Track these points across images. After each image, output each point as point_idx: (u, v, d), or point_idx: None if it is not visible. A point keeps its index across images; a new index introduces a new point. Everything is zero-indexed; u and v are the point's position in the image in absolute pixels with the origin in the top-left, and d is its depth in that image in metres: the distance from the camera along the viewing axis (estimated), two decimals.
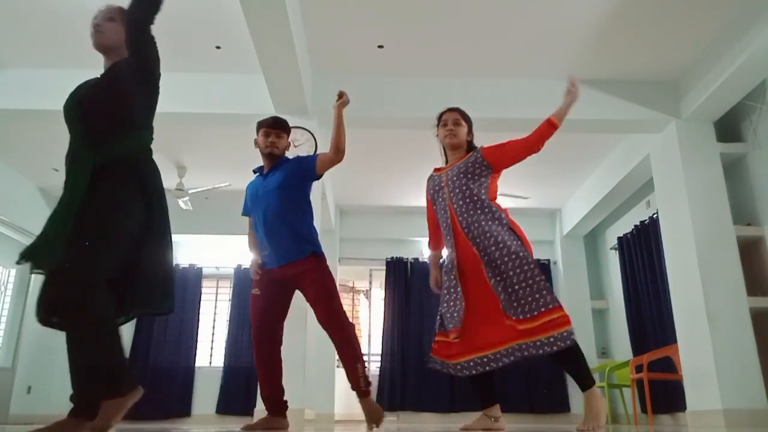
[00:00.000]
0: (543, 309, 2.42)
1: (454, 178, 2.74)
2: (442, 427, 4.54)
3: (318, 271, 3.01)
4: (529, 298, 2.45)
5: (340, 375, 7.24)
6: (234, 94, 4.94)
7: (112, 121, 1.96)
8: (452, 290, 2.68)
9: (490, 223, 2.62)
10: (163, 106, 5.60)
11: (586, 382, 2.53)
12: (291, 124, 4.80)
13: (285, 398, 3.11)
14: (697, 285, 4.55)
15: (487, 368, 2.58)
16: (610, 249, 7.40)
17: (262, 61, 4.11)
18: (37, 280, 7.15)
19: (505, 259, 2.51)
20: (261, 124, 3.18)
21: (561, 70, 4.94)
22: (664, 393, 5.70)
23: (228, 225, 7.85)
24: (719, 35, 4.40)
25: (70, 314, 1.77)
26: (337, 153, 2.97)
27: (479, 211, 2.66)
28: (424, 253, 8.17)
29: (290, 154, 4.76)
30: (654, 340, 5.92)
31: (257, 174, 3.25)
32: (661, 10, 4.17)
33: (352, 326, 3.07)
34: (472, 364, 2.61)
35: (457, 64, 4.89)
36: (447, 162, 2.94)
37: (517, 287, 2.47)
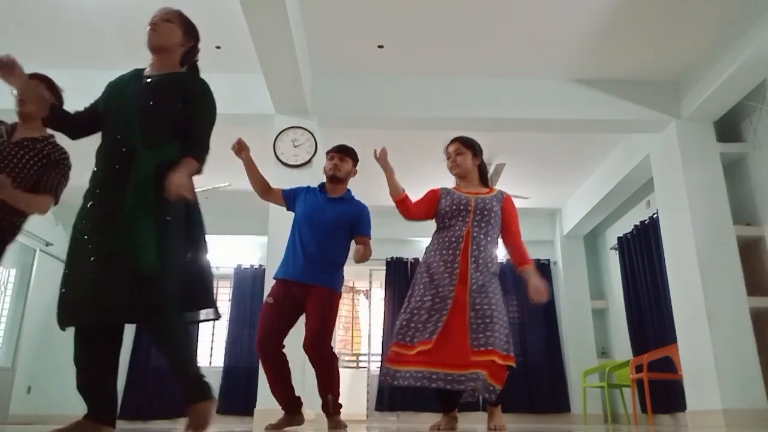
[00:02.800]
0: (500, 350, 2.73)
1: (485, 211, 2.95)
2: None
3: (328, 302, 3.13)
4: (497, 335, 2.75)
5: (340, 375, 7.23)
6: (234, 94, 4.94)
7: (170, 127, 2.05)
8: (437, 302, 2.83)
9: (493, 279, 2.91)
10: None
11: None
12: (291, 124, 4.84)
13: (297, 394, 3.21)
14: (697, 285, 4.55)
15: (450, 387, 2.73)
16: (610, 249, 7.40)
17: (262, 61, 4.11)
18: (38, 281, 7.16)
19: (493, 307, 2.81)
20: (329, 150, 3.44)
21: (561, 70, 4.94)
22: (664, 393, 5.70)
23: (228, 225, 7.86)
24: (719, 35, 4.40)
25: (156, 317, 1.84)
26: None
27: (489, 264, 2.91)
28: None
29: (290, 153, 4.79)
30: (654, 340, 5.92)
31: (318, 189, 3.41)
32: (661, 10, 4.17)
33: (334, 359, 3.19)
34: (434, 377, 2.72)
35: (457, 64, 4.89)
36: (458, 185, 3.18)
37: (491, 323, 2.75)
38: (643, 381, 5.40)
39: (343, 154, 3.42)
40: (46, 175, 2.51)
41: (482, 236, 2.91)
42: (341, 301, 3.30)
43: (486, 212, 2.94)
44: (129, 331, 7.75)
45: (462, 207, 2.96)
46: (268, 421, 3.16)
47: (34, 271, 7.15)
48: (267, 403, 4.05)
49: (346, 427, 3.16)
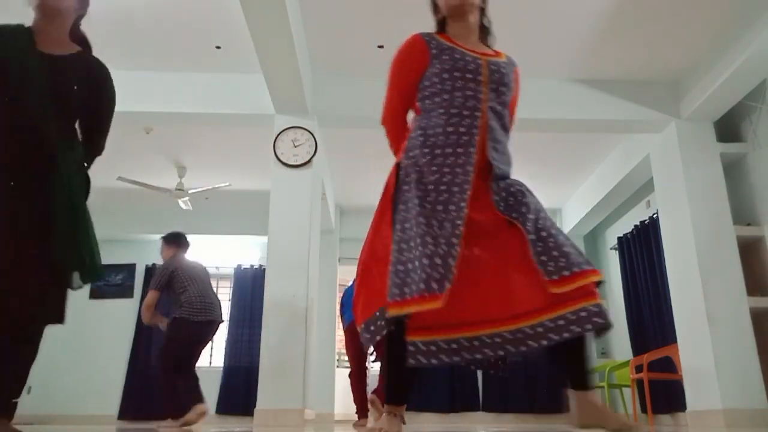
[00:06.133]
0: (581, 268, 1.62)
1: (501, 86, 1.83)
2: (442, 427, 4.54)
3: None
4: (566, 251, 1.65)
5: (340, 375, 7.24)
6: (234, 94, 4.94)
7: (74, 121, 1.90)
8: (440, 225, 1.64)
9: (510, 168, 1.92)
10: (163, 106, 5.61)
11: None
12: (291, 124, 4.84)
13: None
14: (697, 285, 4.55)
15: (502, 353, 1.62)
16: (610, 249, 7.40)
17: (262, 61, 4.11)
18: None
19: (549, 218, 1.75)
20: None
21: (561, 70, 4.94)
22: (664, 393, 5.70)
23: (228, 225, 7.86)
24: (719, 35, 4.40)
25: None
26: None
27: (504, 144, 1.88)
28: None
29: (290, 153, 4.79)
30: (654, 340, 5.92)
31: None
32: (660, 10, 4.17)
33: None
34: (477, 344, 1.62)
35: None
36: (440, 32, 1.94)
37: (559, 236, 1.68)
38: (643, 381, 5.39)
39: None
40: None
41: (499, 126, 1.83)
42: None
43: (502, 87, 1.84)
44: (129, 331, 7.76)
45: (470, 71, 1.79)
46: (268, 421, 3.17)
47: None
48: (267, 403, 4.05)
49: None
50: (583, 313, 1.57)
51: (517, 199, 1.76)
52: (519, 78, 2.01)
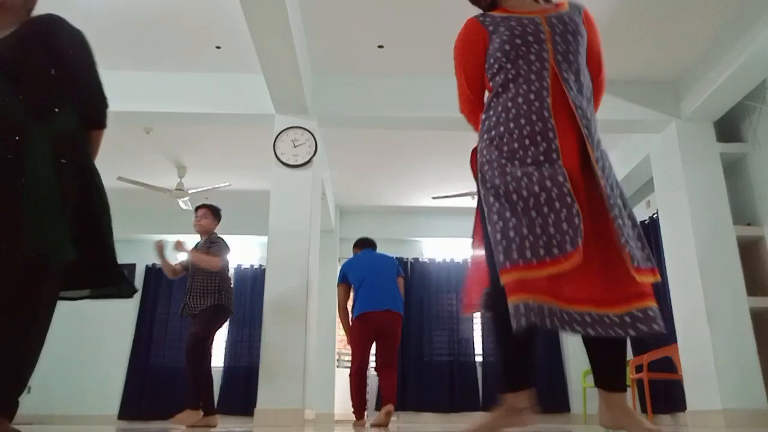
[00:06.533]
0: (653, 264, 1.54)
1: (559, 28, 1.71)
2: (442, 427, 4.54)
3: (400, 324, 4.57)
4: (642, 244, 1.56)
5: (340, 375, 7.24)
6: (234, 94, 4.94)
7: (49, 87, 1.71)
8: (552, 190, 1.52)
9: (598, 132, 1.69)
10: (163, 106, 5.61)
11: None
12: (291, 124, 4.84)
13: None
14: (697, 285, 4.55)
15: (610, 333, 1.49)
16: None
17: (262, 61, 4.11)
18: None
19: (618, 188, 1.62)
20: None
21: None
22: (664, 393, 5.70)
23: (228, 225, 7.85)
24: (719, 35, 4.40)
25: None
26: None
27: (588, 104, 1.70)
28: (424, 253, 8.17)
29: (290, 153, 4.79)
30: (654, 340, 5.92)
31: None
32: (660, 11, 4.17)
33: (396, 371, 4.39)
34: (588, 320, 1.50)
35: None
36: (493, 8, 1.86)
37: (631, 219, 1.59)
38: (643, 381, 5.40)
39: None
40: None
41: (572, 74, 1.68)
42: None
43: (571, 37, 1.70)
44: (129, 331, 7.76)
45: (533, 36, 1.70)
46: (268, 421, 3.17)
47: None
48: (267, 403, 4.05)
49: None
50: (651, 313, 1.49)
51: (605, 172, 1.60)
52: (591, 18, 1.86)
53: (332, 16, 4.28)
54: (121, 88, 4.81)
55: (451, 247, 8.22)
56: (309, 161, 4.75)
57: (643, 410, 5.94)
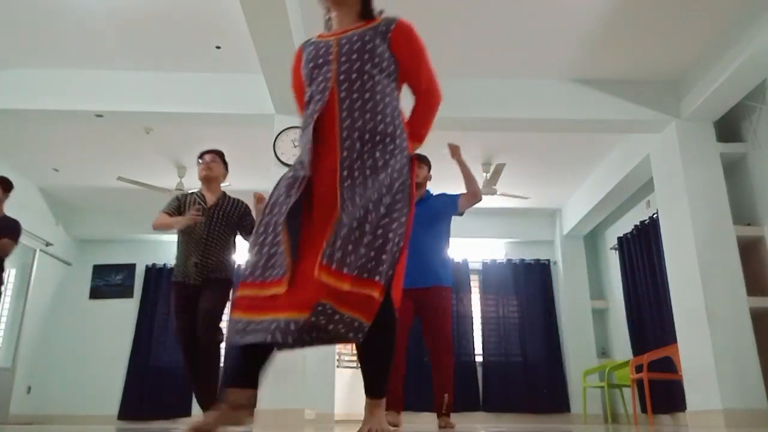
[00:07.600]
0: (368, 276, 1.52)
1: (351, 49, 1.80)
2: None
3: (445, 299, 3.47)
4: (367, 251, 1.54)
5: (340, 375, 7.23)
6: (234, 94, 4.94)
7: None
8: (282, 211, 1.62)
9: (387, 157, 1.73)
10: (163, 106, 5.61)
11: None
12: (291, 124, 4.84)
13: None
14: (697, 285, 4.55)
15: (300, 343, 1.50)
16: (610, 249, 7.40)
17: (262, 61, 4.11)
18: (38, 281, 7.15)
19: (375, 195, 1.63)
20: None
21: (561, 70, 4.94)
22: (664, 393, 5.70)
23: None
24: (719, 35, 4.40)
25: None
26: (476, 196, 3.59)
27: (378, 135, 1.76)
28: None
29: (290, 153, 4.79)
30: (654, 340, 5.92)
31: None
32: (660, 11, 4.17)
33: (453, 356, 3.50)
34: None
35: (456, 64, 4.89)
36: (331, 29, 1.95)
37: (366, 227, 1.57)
38: (643, 381, 5.40)
39: (421, 162, 3.69)
40: None
41: (355, 90, 1.81)
42: None
43: (352, 48, 1.83)
44: (129, 331, 7.75)
45: (322, 59, 1.82)
46: (268, 421, 3.16)
47: (34, 271, 7.15)
48: (267, 403, 4.05)
49: (454, 426, 3.36)
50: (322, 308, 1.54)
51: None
52: (406, 31, 1.97)
53: None
54: (121, 88, 4.81)
55: (451, 247, 8.21)
56: None
57: (643, 410, 5.94)
